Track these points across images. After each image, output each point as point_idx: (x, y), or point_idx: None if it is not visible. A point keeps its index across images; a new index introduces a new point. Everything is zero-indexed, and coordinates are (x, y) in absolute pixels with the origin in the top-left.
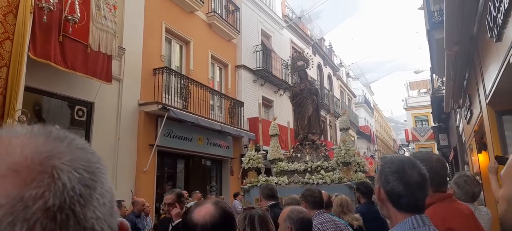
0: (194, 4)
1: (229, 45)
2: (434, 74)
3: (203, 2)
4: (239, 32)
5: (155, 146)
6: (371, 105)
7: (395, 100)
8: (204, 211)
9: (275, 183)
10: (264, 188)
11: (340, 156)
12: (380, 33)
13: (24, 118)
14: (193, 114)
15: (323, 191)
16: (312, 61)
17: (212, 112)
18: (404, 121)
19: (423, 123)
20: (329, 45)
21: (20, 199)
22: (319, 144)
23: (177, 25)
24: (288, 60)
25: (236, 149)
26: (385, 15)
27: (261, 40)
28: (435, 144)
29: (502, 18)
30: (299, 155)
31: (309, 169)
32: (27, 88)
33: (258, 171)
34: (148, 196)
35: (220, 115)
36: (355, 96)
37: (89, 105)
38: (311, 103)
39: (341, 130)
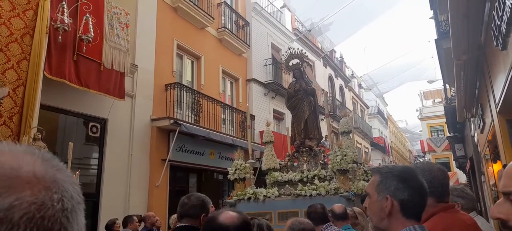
0: (205, 20)
1: (240, 59)
2: (447, 84)
3: (213, 18)
4: (249, 46)
5: (167, 160)
6: (385, 116)
7: (409, 111)
8: (230, 216)
9: (264, 195)
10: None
11: (335, 162)
12: (392, 43)
13: (40, 135)
14: (205, 129)
15: (339, 204)
16: (307, 58)
17: (224, 126)
18: (419, 131)
19: (439, 133)
20: (340, 57)
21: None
22: (318, 150)
23: (188, 41)
24: (282, 57)
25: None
26: (397, 25)
27: (271, 53)
28: (452, 154)
29: (505, 27)
30: (295, 164)
31: (304, 179)
32: (42, 106)
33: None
34: (161, 211)
35: (232, 129)
36: (368, 107)
37: (103, 122)
38: (308, 105)
39: (342, 133)
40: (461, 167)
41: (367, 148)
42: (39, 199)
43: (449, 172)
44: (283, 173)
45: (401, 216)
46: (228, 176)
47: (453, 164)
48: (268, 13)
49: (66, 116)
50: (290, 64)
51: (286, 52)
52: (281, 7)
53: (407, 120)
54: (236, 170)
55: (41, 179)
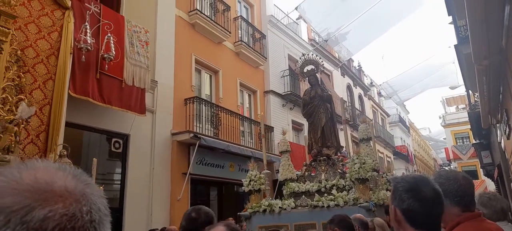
0: (222, 35)
1: (257, 71)
2: (469, 90)
3: (230, 32)
4: (266, 58)
5: (188, 174)
6: (407, 124)
7: (432, 118)
8: (218, 230)
9: (280, 207)
10: None
11: (353, 171)
12: (411, 49)
13: (65, 152)
14: (224, 141)
15: (359, 215)
16: (324, 67)
17: (243, 138)
18: (443, 138)
19: (464, 140)
20: (358, 66)
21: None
22: (336, 159)
23: (206, 56)
24: (296, 66)
25: (269, 174)
26: (416, 31)
27: (288, 64)
28: (478, 161)
29: None
30: (313, 174)
31: (322, 189)
32: (67, 124)
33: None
34: None
35: (251, 141)
36: (388, 116)
37: (125, 137)
38: (324, 112)
39: (361, 140)
40: (488, 174)
41: (390, 157)
42: (70, 211)
43: (476, 180)
44: (300, 183)
45: (409, 226)
46: (243, 188)
47: (480, 171)
48: (284, 25)
49: (90, 133)
50: (305, 70)
51: (300, 58)
52: (297, 19)
53: (430, 127)
54: (250, 181)
55: (72, 192)
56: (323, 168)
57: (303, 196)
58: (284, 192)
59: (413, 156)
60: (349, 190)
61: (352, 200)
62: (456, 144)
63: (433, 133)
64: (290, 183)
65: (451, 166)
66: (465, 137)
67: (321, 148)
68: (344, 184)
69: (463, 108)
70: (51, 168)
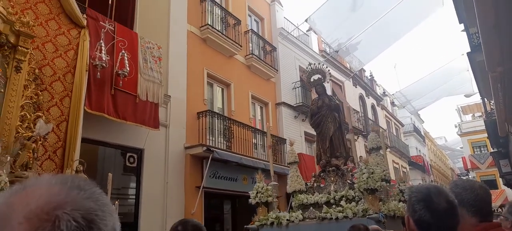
0: (233, 48)
1: (268, 84)
2: (485, 98)
3: (241, 46)
4: (277, 71)
5: (201, 187)
6: (422, 133)
7: (447, 127)
8: None
9: (287, 219)
10: None
11: (361, 181)
12: (424, 58)
13: (81, 168)
14: (237, 154)
15: (375, 226)
16: (330, 73)
17: (255, 151)
18: (460, 148)
19: (482, 148)
20: (370, 75)
21: None
22: (345, 169)
23: (218, 69)
24: (303, 75)
25: (282, 186)
26: (428, 39)
27: (299, 76)
28: (497, 171)
29: None
30: (322, 185)
31: (331, 201)
32: (83, 140)
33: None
34: None
35: (263, 153)
36: (403, 126)
37: (139, 152)
38: (332, 122)
39: (371, 149)
40: (508, 184)
41: (405, 168)
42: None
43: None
44: (309, 195)
45: None
46: (249, 200)
47: (499, 181)
48: (294, 37)
49: (105, 148)
50: (312, 79)
51: (307, 68)
52: (307, 31)
53: (446, 136)
54: (257, 193)
55: (38, 214)
56: (332, 178)
57: (311, 208)
58: (293, 204)
59: (429, 166)
60: (359, 201)
61: (361, 211)
62: (474, 153)
63: (449, 142)
64: (299, 195)
65: (469, 176)
66: (483, 146)
67: (329, 158)
68: (354, 195)
69: (479, 116)
70: (41, 185)
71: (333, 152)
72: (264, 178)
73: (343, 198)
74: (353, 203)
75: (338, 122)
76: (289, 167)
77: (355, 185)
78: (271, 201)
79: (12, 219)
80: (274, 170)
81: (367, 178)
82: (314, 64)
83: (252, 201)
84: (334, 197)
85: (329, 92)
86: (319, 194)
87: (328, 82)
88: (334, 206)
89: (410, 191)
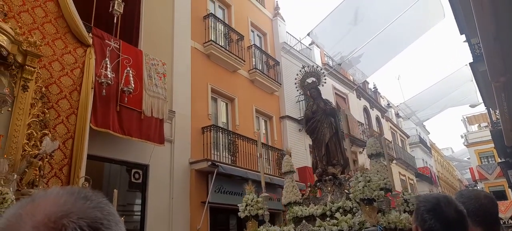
0: (236, 63)
1: (272, 97)
2: (489, 108)
3: (244, 61)
4: (280, 84)
5: (206, 202)
6: (428, 144)
7: (454, 138)
8: None
9: None
10: None
11: (357, 190)
12: (428, 69)
13: (87, 185)
14: (242, 168)
15: None
16: (325, 77)
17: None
18: (468, 158)
19: (489, 159)
20: (373, 87)
21: None
22: (343, 178)
23: (222, 84)
24: (295, 78)
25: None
26: (431, 50)
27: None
28: (506, 181)
29: None
30: (318, 196)
31: (327, 213)
32: (89, 156)
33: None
34: None
35: (268, 167)
36: (408, 137)
37: (145, 168)
38: (328, 127)
39: (370, 156)
40: None
41: (412, 180)
42: None
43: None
44: (304, 206)
45: None
46: (239, 213)
47: (509, 191)
48: (297, 51)
49: (110, 164)
50: (306, 83)
51: (300, 71)
52: (310, 44)
53: (453, 147)
54: (247, 205)
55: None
56: (329, 188)
57: (304, 221)
58: (287, 216)
59: (436, 177)
60: (356, 213)
61: (357, 224)
62: (481, 163)
63: (456, 153)
64: (293, 207)
65: (477, 187)
66: (490, 156)
67: (326, 166)
68: (352, 206)
69: (485, 126)
70: (51, 196)
71: (330, 160)
72: (254, 189)
73: (340, 210)
74: (349, 215)
75: (335, 128)
76: (284, 177)
77: (350, 195)
78: (262, 214)
79: (21, 229)
80: (279, 184)
81: (363, 187)
82: (308, 66)
83: (241, 214)
84: (331, 208)
85: (333, 102)
86: (315, 205)
87: (322, 86)
88: (328, 218)
89: (418, 200)
